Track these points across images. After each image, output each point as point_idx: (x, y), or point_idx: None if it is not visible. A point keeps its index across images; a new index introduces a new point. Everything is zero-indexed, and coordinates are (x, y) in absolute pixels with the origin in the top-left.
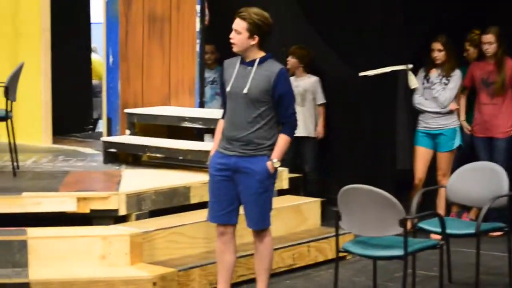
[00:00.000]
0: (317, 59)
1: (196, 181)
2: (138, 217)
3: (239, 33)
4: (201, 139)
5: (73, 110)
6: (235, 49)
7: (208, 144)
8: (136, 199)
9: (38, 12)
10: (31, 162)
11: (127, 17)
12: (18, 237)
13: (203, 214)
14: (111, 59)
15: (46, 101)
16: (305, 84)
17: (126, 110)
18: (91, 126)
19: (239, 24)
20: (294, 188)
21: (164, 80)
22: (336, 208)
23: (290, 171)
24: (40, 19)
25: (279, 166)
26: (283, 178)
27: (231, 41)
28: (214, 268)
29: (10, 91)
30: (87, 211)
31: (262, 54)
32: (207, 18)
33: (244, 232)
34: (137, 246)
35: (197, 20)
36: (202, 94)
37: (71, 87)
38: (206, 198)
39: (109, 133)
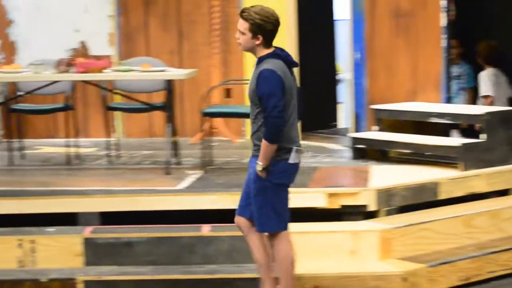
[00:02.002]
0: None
1: (444, 177)
2: (388, 213)
3: (243, 33)
4: (447, 135)
5: (319, 106)
6: (241, 48)
7: (456, 140)
8: (385, 195)
9: (284, 10)
10: None
11: (372, 14)
12: None
13: (451, 210)
14: (357, 56)
15: None
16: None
17: (373, 106)
18: (335, 122)
19: (242, 25)
20: None
21: (409, 75)
22: None
23: None
24: (287, 17)
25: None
26: None
27: (237, 41)
28: (463, 264)
29: None
30: (337, 206)
31: (266, 52)
32: (452, 13)
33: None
34: (386, 241)
35: (443, 15)
36: (448, 89)
37: (318, 83)
38: (454, 194)
39: (357, 129)
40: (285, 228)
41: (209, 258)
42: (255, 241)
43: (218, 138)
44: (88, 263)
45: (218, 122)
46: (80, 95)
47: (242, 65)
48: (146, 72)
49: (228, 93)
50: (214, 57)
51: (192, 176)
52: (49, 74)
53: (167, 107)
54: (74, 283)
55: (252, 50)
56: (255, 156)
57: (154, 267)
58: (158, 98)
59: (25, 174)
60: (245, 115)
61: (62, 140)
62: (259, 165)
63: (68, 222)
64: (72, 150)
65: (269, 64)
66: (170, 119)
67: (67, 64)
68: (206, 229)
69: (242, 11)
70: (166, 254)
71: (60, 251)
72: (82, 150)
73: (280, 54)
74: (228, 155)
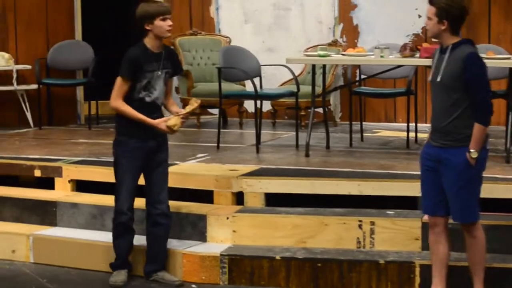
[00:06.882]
0: None
1: None
2: None
3: (430, 19)
4: None
5: None
6: (428, 34)
7: None
8: None
9: None
10: None
11: None
12: None
13: None
14: None
15: None
16: None
17: None
18: None
19: (429, 10)
20: None
21: None
22: None
23: None
24: None
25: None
26: None
27: (426, 27)
28: None
29: None
30: None
31: (456, 39)
32: None
33: None
34: None
35: None
36: None
37: None
38: None
39: None
40: (480, 216)
41: None
42: (445, 235)
43: None
44: (425, 247)
45: None
46: (420, 80)
47: None
48: (491, 60)
49: None
50: None
51: None
52: (394, 59)
53: (509, 95)
54: (412, 266)
55: (439, 36)
56: (452, 147)
57: (488, 255)
58: (496, 86)
59: (364, 156)
60: None
61: (400, 125)
62: (473, 152)
63: (407, 205)
64: (412, 135)
65: (470, 49)
66: None
67: (411, 49)
68: None
69: None
70: (500, 242)
71: (398, 234)
72: (421, 135)
73: (472, 41)
74: None
